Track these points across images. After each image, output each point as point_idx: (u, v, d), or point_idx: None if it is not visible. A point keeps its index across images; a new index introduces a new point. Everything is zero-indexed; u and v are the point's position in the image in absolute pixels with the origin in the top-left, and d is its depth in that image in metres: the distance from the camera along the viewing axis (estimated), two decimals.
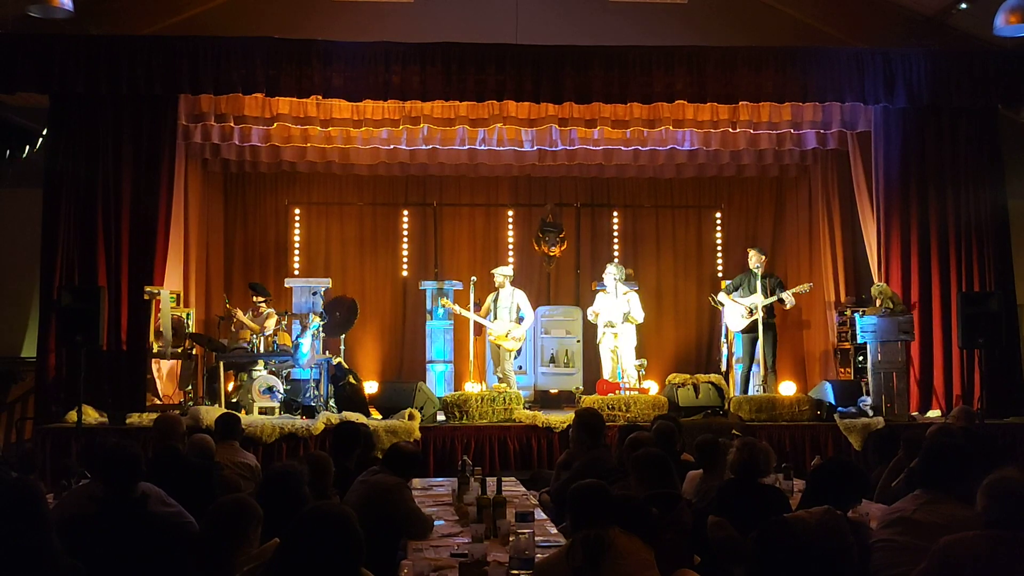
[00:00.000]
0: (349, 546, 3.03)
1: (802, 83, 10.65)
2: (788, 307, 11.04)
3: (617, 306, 10.88)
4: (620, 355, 10.87)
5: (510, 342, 11.08)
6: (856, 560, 3.96)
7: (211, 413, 8.90)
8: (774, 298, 10.81)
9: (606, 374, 10.95)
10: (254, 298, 11.40)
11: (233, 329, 11.33)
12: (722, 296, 11.33)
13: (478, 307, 11.27)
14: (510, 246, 13.86)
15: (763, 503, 4.88)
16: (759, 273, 10.93)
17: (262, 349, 10.68)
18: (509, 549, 4.05)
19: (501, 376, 11.10)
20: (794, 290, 10.92)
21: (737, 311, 11.05)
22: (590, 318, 11.25)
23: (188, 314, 11.14)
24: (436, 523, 5.39)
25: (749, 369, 11.17)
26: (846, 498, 4.35)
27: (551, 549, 4.42)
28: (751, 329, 10.95)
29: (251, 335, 10.79)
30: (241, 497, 4.09)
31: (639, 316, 10.94)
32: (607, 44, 10.66)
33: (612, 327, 10.86)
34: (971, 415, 8.29)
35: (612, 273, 11.03)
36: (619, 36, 10.95)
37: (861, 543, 4.07)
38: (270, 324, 11.07)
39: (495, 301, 11.20)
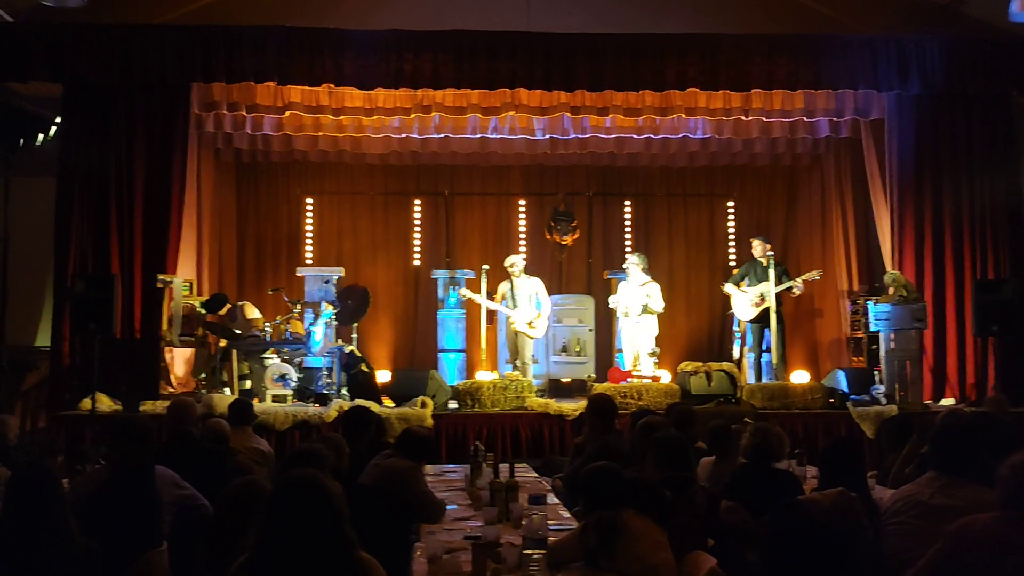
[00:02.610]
0: (320, 505, 3.05)
1: (815, 70, 10.61)
2: (797, 294, 11.09)
3: (636, 296, 10.88)
4: (638, 344, 10.88)
5: (535, 330, 11.10)
6: (870, 542, 3.95)
7: (224, 401, 8.93)
8: (784, 286, 10.83)
9: (627, 363, 10.96)
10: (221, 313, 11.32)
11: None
12: (728, 287, 11.37)
13: (490, 296, 11.27)
14: (522, 235, 13.83)
15: (776, 488, 4.87)
16: (765, 262, 10.95)
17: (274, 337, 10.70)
18: (523, 529, 4.06)
19: (519, 365, 11.08)
20: (804, 276, 10.95)
21: (745, 300, 11.10)
22: (612, 306, 11.28)
23: (201, 302, 11.15)
24: (449, 507, 5.40)
25: (759, 358, 11.19)
26: (854, 475, 4.35)
27: (563, 532, 4.42)
28: (760, 318, 10.99)
29: (263, 323, 10.81)
30: (254, 480, 4.11)
31: (658, 306, 10.95)
32: (619, 31, 10.63)
33: (627, 316, 10.87)
34: (1003, 404, 8.10)
35: (635, 262, 11.04)
36: (631, 23, 10.92)
37: (875, 525, 4.06)
38: (251, 311, 11.05)
39: (512, 290, 11.19)
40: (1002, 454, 3.66)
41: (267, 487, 3.87)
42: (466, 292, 11.46)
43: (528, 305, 11.10)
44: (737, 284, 11.29)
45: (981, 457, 4.06)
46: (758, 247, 11.17)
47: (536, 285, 11.24)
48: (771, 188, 14.13)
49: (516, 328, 11.13)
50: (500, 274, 11.43)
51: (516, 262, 11.26)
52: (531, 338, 11.14)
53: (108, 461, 4.72)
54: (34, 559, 3.55)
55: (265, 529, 3.08)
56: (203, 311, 10.86)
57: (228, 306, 11.04)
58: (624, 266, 11.40)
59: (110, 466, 4.69)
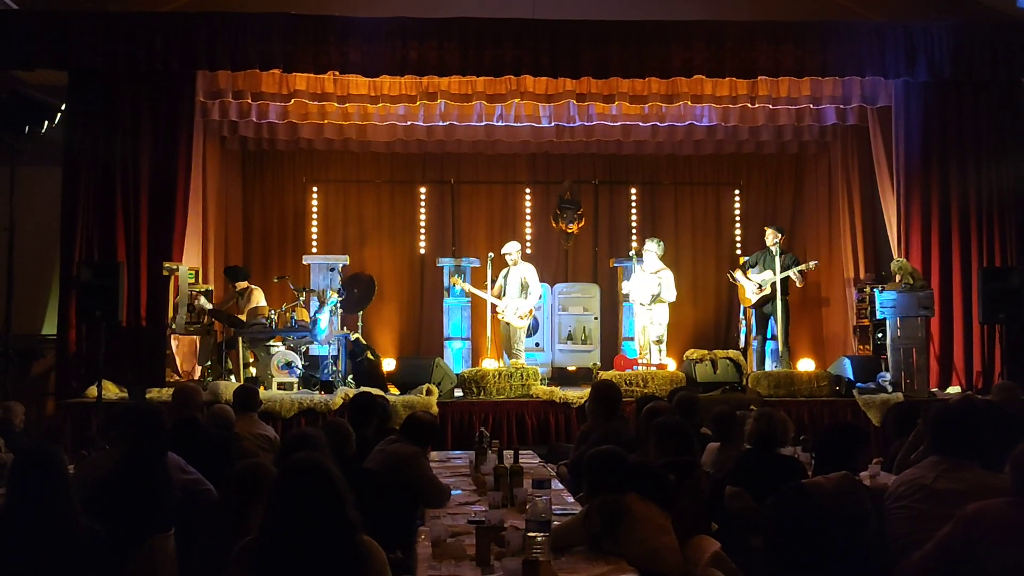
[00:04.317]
0: (324, 488, 3.08)
1: (822, 57, 10.54)
2: (799, 285, 11.10)
3: (647, 285, 10.86)
4: (648, 332, 10.86)
5: (515, 319, 11.07)
6: (874, 525, 3.95)
7: (230, 388, 8.94)
8: (783, 275, 10.85)
9: (638, 350, 10.96)
10: (236, 285, 11.29)
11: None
12: (738, 274, 11.39)
13: (494, 285, 11.27)
14: (527, 223, 13.82)
15: (781, 473, 4.87)
16: (776, 251, 10.95)
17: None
18: (527, 512, 4.06)
19: (513, 354, 11.10)
20: (800, 267, 10.92)
21: (751, 287, 11.14)
22: (626, 292, 11.26)
23: (207, 290, 11.17)
24: (453, 492, 5.41)
25: (763, 345, 11.21)
26: (855, 459, 4.34)
27: (567, 517, 4.42)
28: (763, 304, 11.00)
29: (268, 311, 10.82)
30: (259, 462, 4.13)
31: (670, 295, 10.92)
32: (625, 19, 10.59)
33: (643, 306, 10.86)
34: (1014, 391, 7.91)
35: (653, 250, 11.01)
36: (637, 10, 10.86)
37: (879, 509, 4.05)
38: (258, 298, 11.06)
39: (506, 279, 11.20)
40: (1006, 442, 3.65)
41: (272, 471, 3.89)
42: (459, 282, 11.47)
43: (517, 294, 11.09)
44: (745, 272, 11.29)
45: (984, 441, 4.05)
46: (769, 235, 11.17)
47: (525, 271, 11.22)
48: (777, 176, 14.10)
49: (503, 319, 11.14)
50: (503, 262, 11.42)
51: (511, 250, 11.25)
52: (516, 328, 11.13)
53: (118, 446, 4.72)
54: (38, 540, 3.56)
55: (270, 512, 3.10)
56: (204, 291, 10.90)
57: (246, 283, 11.09)
58: (633, 251, 11.36)
59: (119, 451, 4.70)
